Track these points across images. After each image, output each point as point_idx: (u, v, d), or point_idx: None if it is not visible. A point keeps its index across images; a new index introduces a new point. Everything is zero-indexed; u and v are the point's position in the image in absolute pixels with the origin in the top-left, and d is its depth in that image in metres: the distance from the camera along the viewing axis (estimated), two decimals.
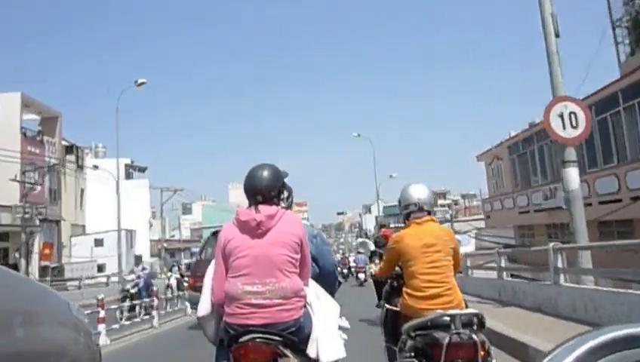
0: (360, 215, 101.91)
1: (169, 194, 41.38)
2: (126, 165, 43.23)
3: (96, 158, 42.60)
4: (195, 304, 6.01)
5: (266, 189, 2.42)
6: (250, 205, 2.43)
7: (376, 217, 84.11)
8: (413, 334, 3.07)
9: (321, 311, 2.45)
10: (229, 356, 2.25)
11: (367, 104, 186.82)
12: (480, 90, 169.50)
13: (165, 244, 61.80)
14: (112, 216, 32.55)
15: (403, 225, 3.58)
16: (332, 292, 2.80)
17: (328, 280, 2.83)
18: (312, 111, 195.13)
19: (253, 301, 2.26)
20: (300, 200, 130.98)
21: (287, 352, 2.24)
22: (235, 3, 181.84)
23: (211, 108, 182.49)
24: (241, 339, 2.22)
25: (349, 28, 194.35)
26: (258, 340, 2.21)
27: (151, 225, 43.48)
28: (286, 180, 2.59)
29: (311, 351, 2.31)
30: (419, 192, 3.52)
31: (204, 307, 2.52)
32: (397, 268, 3.59)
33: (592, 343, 0.98)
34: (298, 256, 2.38)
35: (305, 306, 2.37)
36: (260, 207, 2.38)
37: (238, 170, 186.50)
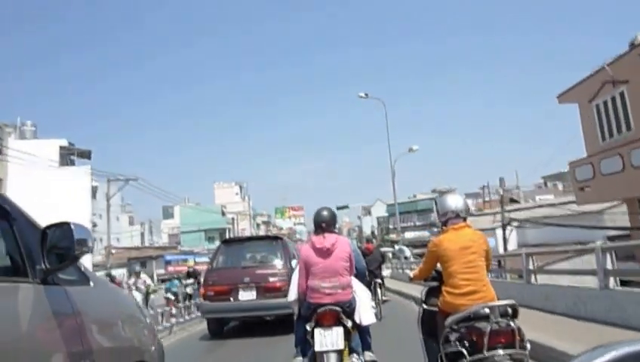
0: (359, 217, 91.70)
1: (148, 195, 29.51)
2: (62, 148, 31.74)
3: (22, 140, 30.87)
4: (206, 313, 10.00)
5: (327, 223, 4.52)
6: (316, 231, 4.53)
7: (378, 218, 73.18)
8: (456, 326, 3.45)
9: (361, 296, 4.62)
10: (305, 322, 4.36)
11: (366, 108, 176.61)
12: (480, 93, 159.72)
13: (137, 253, 51.40)
14: (39, 213, 19.95)
15: (440, 230, 4.00)
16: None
17: (360, 277, 4.87)
18: (308, 118, 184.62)
19: (326, 291, 4.31)
20: (297, 205, 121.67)
21: (345, 317, 4.27)
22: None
23: (203, 108, 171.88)
24: (320, 310, 4.23)
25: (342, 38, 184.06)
26: (330, 309, 4.24)
27: (94, 225, 31.69)
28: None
29: (356, 318, 4.44)
30: (456, 201, 3.95)
31: (293, 295, 4.81)
32: (433, 272, 4.02)
33: (613, 354, 0.95)
34: (349, 264, 4.48)
35: (352, 292, 4.45)
36: (326, 235, 4.45)
37: (223, 169, 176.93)
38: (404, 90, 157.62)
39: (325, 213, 4.57)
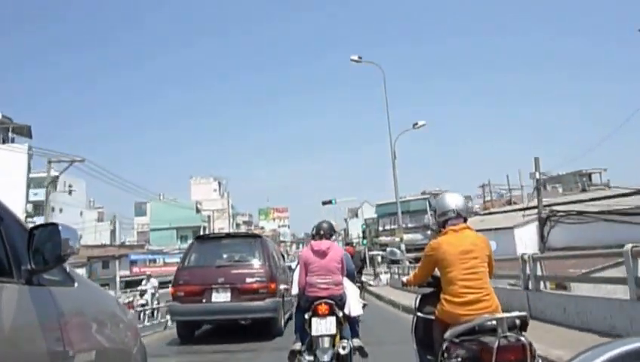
0: (345, 220, 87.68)
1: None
2: None
3: None
4: (175, 315, 9.30)
5: (324, 232, 5.50)
6: (314, 238, 5.55)
7: (366, 220, 68.45)
8: (457, 340, 3.16)
9: (351, 292, 5.53)
10: (304, 313, 5.19)
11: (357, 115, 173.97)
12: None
13: (100, 251, 46.43)
14: None
15: (436, 231, 3.77)
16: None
17: (350, 278, 5.84)
18: (301, 119, 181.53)
19: (322, 286, 5.20)
20: (281, 206, 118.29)
21: (337, 308, 5.10)
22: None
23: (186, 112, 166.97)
24: (316, 302, 5.07)
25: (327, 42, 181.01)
26: (325, 302, 5.07)
27: (29, 216, 26.37)
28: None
29: (346, 310, 5.30)
30: (455, 200, 3.67)
31: (295, 289, 5.65)
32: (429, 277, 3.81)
33: (610, 354, 0.97)
34: (340, 266, 5.40)
35: (343, 289, 5.38)
36: (323, 241, 5.44)
37: (201, 164, 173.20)
38: (403, 90, 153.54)
39: (325, 224, 5.63)
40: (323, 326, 4.93)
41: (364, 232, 39.78)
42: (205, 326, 9.98)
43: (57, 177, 50.01)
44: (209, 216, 56.40)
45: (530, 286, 8.84)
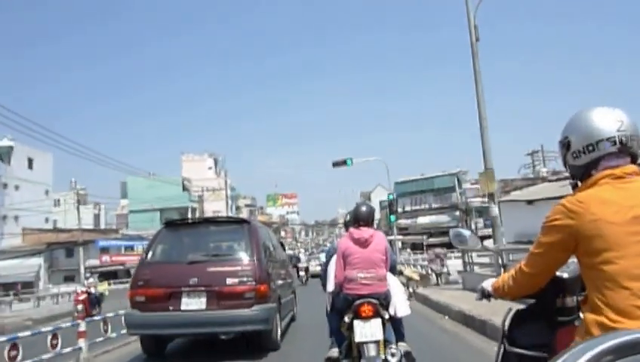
0: (357, 204, 79.90)
1: None
2: None
3: None
4: (133, 328, 7.25)
5: (366, 219, 5.05)
6: (354, 225, 5.05)
7: (381, 202, 60.80)
8: None
9: (395, 288, 5.03)
10: (339, 314, 4.82)
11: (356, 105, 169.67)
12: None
13: (66, 235, 39.26)
14: None
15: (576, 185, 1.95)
16: None
17: (393, 271, 5.37)
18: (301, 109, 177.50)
19: (364, 282, 4.77)
20: (290, 192, 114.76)
21: (381, 309, 4.65)
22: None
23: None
24: (357, 302, 4.63)
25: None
26: (369, 302, 4.63)
27: None
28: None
29: (391, 310, 4.84)
30: (615, 118, 1.81)
31: (331, 286, 5.07)
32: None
33: (601, 347, 0.97)
34: (385, 257, 4.99)
35: (387, 285, 4.97)
36: (363, 229, 4.96)
37: (209, 148, 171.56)
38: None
39: (364, 208, 5.19)
40: (368, 331, 4.59)
41: (390, 205, 29.54)
42: (180, 338, 8.59)
43: (12, 147, 41.06)
44: (200, 196, 48.34)
45: None
